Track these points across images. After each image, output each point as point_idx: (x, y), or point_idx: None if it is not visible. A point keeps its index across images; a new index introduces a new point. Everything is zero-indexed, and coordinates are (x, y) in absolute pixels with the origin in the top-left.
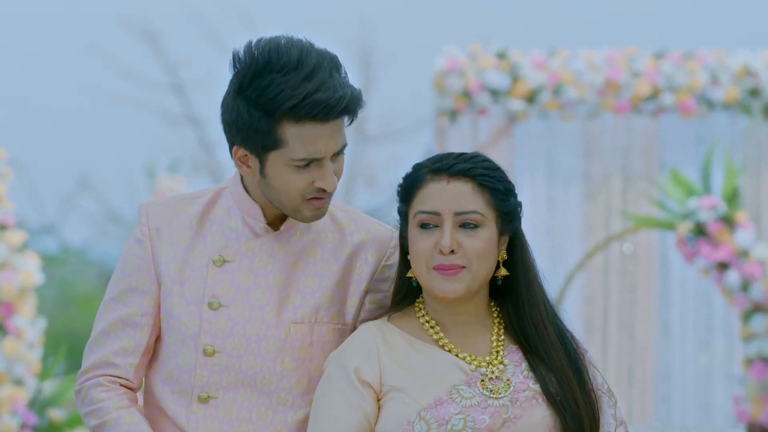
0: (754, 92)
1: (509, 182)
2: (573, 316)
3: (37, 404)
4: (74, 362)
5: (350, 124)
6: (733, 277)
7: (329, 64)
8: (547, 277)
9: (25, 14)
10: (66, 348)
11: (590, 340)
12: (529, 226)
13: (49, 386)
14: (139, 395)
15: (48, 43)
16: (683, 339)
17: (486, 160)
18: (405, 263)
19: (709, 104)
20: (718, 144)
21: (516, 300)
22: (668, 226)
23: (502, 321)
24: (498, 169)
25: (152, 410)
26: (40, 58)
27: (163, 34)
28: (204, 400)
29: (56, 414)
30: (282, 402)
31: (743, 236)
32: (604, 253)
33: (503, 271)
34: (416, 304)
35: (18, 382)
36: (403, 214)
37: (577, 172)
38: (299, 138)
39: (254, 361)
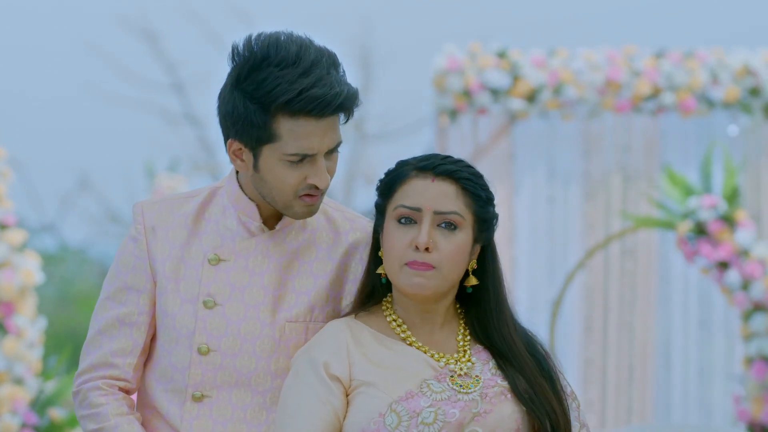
0: (755, 91)
1: (490, 191)
2: (573, 316)
3: (38, 404)
4: (74, 361)
5: (346, 122)
6: (733, 276)
7: (327, 61)
8: (547, 277)
9: (24, 14)
10: (70, 348)
11: (590, 339)
12: (529, 225)
13: (50, 385)
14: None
15: (47, 42)
16: (683, 338)
17: (470, 166)
18: (375, 260)
19: (710, 103)
20: (717, 143)
21: (483, 310)
22: (668, 225)
23: (467, 325)
24: (481, 176)
25: (145, 410)
26: (39, 57)
27: (163, 33)
28: (198, 399)
29: (57, 413)
30: (276, 401)
31: (743, 235)
32: (604, 252)
33: (473, 280)
34: (383, 303)
35: (18, 381)
36: (381, 208)
37: (577, 171)
38: (293, 133)
39: (249, 360)
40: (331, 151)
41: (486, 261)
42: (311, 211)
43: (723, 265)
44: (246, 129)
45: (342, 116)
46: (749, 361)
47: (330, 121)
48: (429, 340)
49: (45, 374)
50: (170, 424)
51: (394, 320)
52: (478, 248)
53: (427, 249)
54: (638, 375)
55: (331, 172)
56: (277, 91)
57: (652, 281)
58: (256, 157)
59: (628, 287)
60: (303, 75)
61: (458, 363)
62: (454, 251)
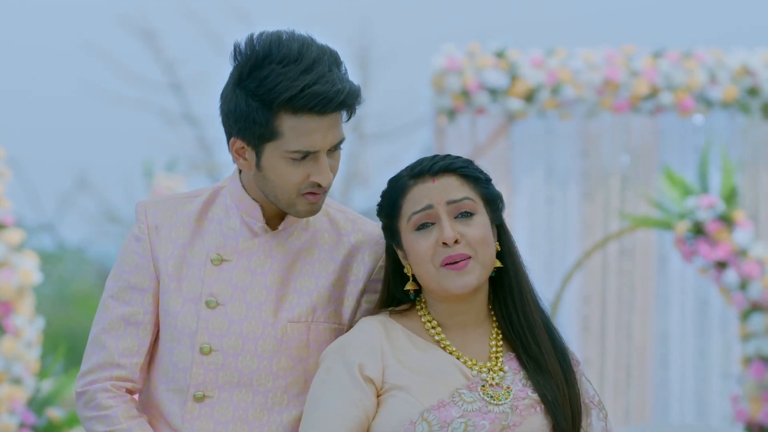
0: (753, 91)
1: (486, 174)
2: (571, 316)
3: (36, 403)
4: (72, 360)
5: (348, 120)
6: (731, 276)
7: (329, 58)
8: (545, 276)
9: (23, 13)
10: (65, 347)
11: (588, 339)
12: (527, 225)
13: (48, 385)
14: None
15: (46, 42)
16: (681, 338)
17: (459, 156)
18: (396, 280)
19: (708, 103)
20: (714, 143)
21: (506, 289)
22: (666, 225)
23: (500, 327)
24: (472, 162)
25: (146, 410)
26: (37, 57)
27: (161, 32)
28: (199, 399)
29: (55, 413)
30: (278, 402)
31: (741, 235)
32: (603, 252)
33: (497, 263)
34: (418, 303)
35: (16, 381)
36: (393, 228)
37: (576, 171)
38: (295, 130)
39: (251, 360)
40: (334, 149)
41: (502, 241)
42: (314, 210)
43: (721, 265)
44: (248, 127)
45: (344, 114)
46: (747, 360)
47: (332, 118)
48: (463, 345)
49: (43, 374)
50: (171, 424)
51: (429, 321)
52: (495, 229)
53: (456, 242)
54: (636, 375)
55: (333, 170)
56: (279, 89)
57: (650, 281)
58: (258, 155)
59: (626, 287)
60: (305, 72)
61: (490, 372)
62: (481, 234)
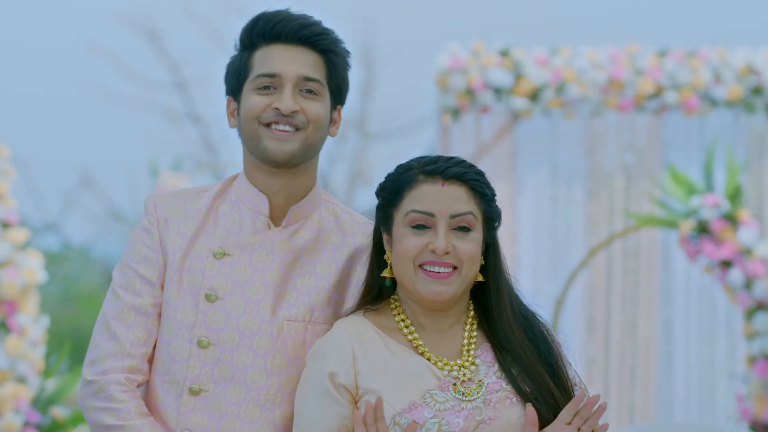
0: (757, 90)
1: (493, 189)
2: (576, 314)
3: (41, 402)
4: (76, 359)
5: (330, 75)
6: (736, 275)
7: (323, 25)
8: (549, 275)
9: (27, 13)
10: (70, 346)
11: (593, 337)
12: (532, 223)
13: (52, 384)
14: None
15: (50, 41)
16: (686, 337)
17: (473, 165)
18: (379, 263)
19: (712, 102)
20: (719, 142)
21: (485, 303)
22: (671, 224)
23: (475, 318)
24: (484, 174)
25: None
26: (42, 56)
27: (165, 32)
28: (195, 392)
29: (59, 412)
30: (271, 399)
31: (746, 234)
32: (607, 250)
33: (479, 277)
34: (391, 301)
35: (21, 379)
36: (388, 214)
37: (580, 170)
38: (262, 57)
39: (246, 355)
40: (308, 91)
41: (489, 256)
42: (283, 149)
43: (725, 264)
44: (234, 75)
45: (320, 59)
46: (752, 359)
47: (300, 51)
48: (436, 343)
49: (47, 373)
50: (165, 416)
51: (402, 320)
52: (484, 245)
53: (446, 253)
54: (641, 374)
55: (312, 116)
56: (254, 20)
57: (655, 280)
58: (239, 103)
59: (630, 286)
60: (284, 10)
61: (461, 369)
62: (472, 250)
